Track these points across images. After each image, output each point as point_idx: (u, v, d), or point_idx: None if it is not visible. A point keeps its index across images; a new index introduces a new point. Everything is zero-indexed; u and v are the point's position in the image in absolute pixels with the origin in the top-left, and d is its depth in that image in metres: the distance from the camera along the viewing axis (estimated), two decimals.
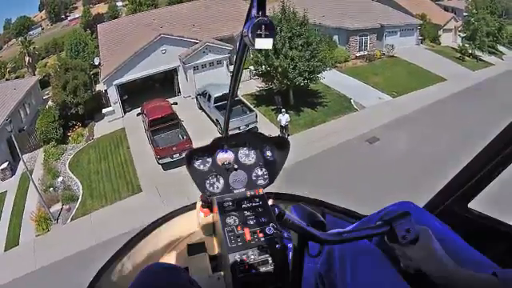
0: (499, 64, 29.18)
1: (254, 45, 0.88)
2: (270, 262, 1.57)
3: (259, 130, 15.20)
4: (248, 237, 1.65)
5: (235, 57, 1.38)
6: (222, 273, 1.88)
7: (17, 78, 37.74)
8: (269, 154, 2.08)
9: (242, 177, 2.01)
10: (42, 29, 66.76)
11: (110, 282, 1.83)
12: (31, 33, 58.57)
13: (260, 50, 17.21)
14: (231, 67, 23.37)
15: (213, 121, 18.56)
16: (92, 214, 14.16)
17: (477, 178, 1.42)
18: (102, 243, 11.96)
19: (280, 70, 17.57)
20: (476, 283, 1.10)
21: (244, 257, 1.56)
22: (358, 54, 27.10)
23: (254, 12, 0.88)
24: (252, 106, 18.72)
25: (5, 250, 13.24)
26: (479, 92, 21.47)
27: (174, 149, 15.11)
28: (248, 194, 1.92)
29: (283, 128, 16.87)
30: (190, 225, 2.23)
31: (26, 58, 40.91)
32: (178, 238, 2.26)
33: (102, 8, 58.29)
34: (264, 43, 0.87)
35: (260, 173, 2.04)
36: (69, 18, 64.90)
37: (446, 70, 25.31)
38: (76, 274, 9.25)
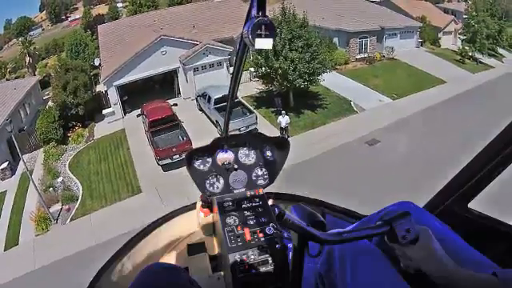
0: (499, 66, 29.25)
1: (254, 45, 0.87)
2: (270, 261, 1.56)
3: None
4: (248, 237, 1.64)
5: (235, 57, 1.39)
6: (222, 273, 1.88)
7: (17, 78, 37.76)
8: (269, 154, 2.08)
9: (242, 177, 2.01)
10: (43, 29, 66.81)
11: (110, 282, 1.83)
12: (32, 33, 58.55)
13: (260, 52, 17.29)
14: (231, 69, 23.38)
15: (213, 122, 18.57)
16: (92, 214, 14.14)
17: (477, 178, 1.42)
18: (101, 243, 11.94)
19: (280, 71, 17.58)
20: (476, 283, 1.10)
21: (244, 257, 1.56)
22: (358, 57, 27.14)
23: (253, 12, 0.88)
24: (252, 108, 18.73)
25: (4, 250, 13.22)
26: (479, 94, 21.50)
27: (174, 150, 15.12)
28: (248, 193, 1.92)
29: (283, 130, 16.87)
30: (190, 225, 2.23)
31: (27, 59, 40.95)
32: (178, 237, 2.26)
33: (102, 9, 58.36)
34: (264, 43, 0.87)
35: (260, 173, 2.04)
36: (69, 19, 64.93)
37: (446, 72, 25.35)
38: (75, 274, 9.27)
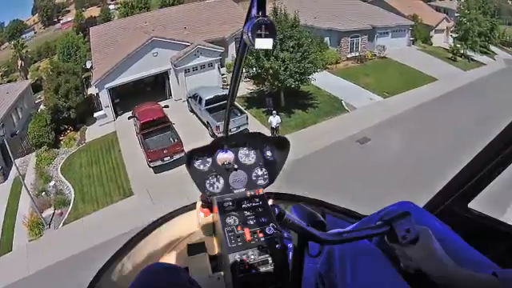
0: (491, 64, 29.50)
1: (254, 45, 0.88)
2: (270, 262, 1.58)
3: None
4: (248, 237, 1.66)
5: (235, 58, 1.42)
6: (222, 273, 1.89)
7: (9, 81, 37.45)
8: (269, 153, 2.10)
9: (242, 177, 2.02)
10: (35, 32, 66.19)
11: (110, 282, 1.84)
12: (24, 36, 57.93)
13: (251, 52, 17.30)
14: (222, 70, 23.44)
15: (204, 123, 18.55)
16: (84, 218, 14.13)
17: (477, 178, 1.43)
18: (94, 247, 11.91)
19: (271, 71, 17.60)
20: (476, 283, 1.10)
21: (244, 257, 1.57)
22: (349, 56, 27.22)
23: (253, 12, 0.88)
24: (243, 108, 18.74)
25: None
26: (471, 91, 21.65)
27: (165, 152, 15.15)
28: (248, 194, 1.93)
29: (274, 130, 16.93)
30: (190, 225, 2.24)
31: (19, 62, 40.57)
32: (178, 237, 2.27)
33: (94, 11, 57.88)
34: (264, 43, 0.88)
35: (260, 173, 2.06)
36: (61, 22, 64.25)
37: (438, 70, 25.53)
38: (69, 278, 9.32)
